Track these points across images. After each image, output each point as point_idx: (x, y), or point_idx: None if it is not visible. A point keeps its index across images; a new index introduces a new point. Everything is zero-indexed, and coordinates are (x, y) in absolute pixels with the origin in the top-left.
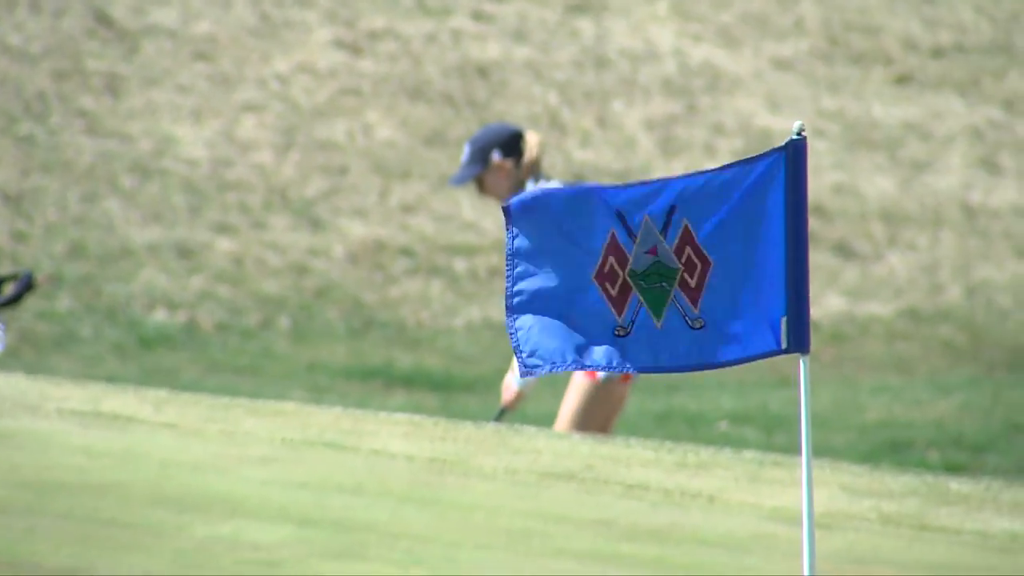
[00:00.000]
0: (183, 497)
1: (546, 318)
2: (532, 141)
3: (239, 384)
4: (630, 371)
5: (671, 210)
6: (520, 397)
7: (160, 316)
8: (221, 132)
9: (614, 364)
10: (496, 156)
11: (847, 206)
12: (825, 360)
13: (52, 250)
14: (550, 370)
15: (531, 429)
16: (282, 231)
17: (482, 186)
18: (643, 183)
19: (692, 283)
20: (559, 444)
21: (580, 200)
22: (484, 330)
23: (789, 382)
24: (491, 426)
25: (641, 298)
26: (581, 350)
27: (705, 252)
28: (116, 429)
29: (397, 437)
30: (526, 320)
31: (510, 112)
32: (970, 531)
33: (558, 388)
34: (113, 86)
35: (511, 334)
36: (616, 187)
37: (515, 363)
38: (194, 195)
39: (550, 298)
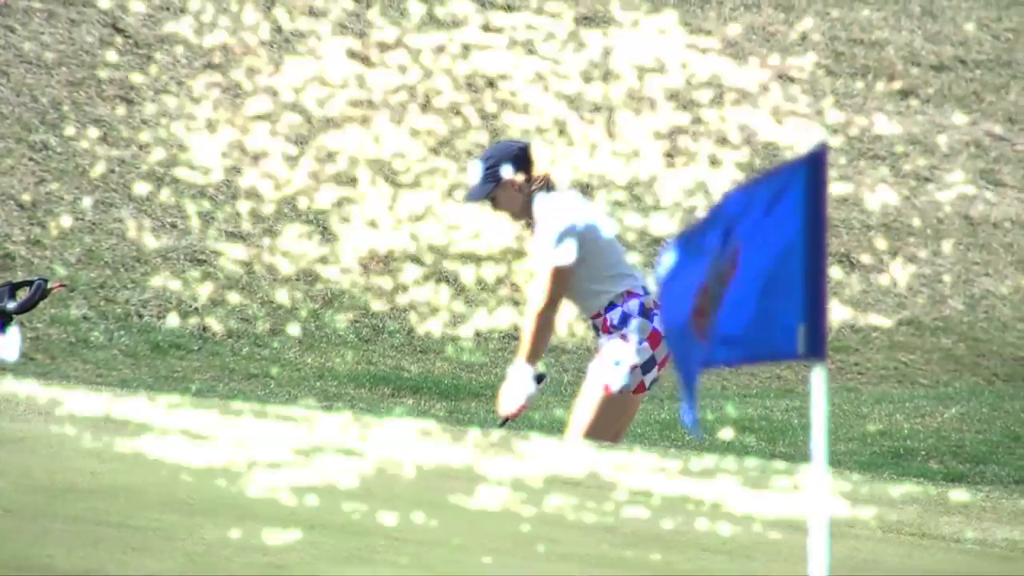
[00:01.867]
0: (193, 501)
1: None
2: (540, 154)
3: (249, 390)
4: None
5: (727, 234)
6: (523, 409)
7: (172, 322)
8: (233, 142)
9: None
10: (507, 172)
11: (850, 218)
12: (827, 370)
13: (66, 257)
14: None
15: (537, 436)
16: (293, 239)
17: (495, 202)
18: (704, 219)
19: (720, 290)
20: (564, 451)
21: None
22: (491, 338)
23: (793, 392)
24: (494, 432)
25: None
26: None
27: (737, 262)
28: (128, 434)
29: (404, 443)
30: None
31: (518, 122)
32: (970, 540)
33: (564, 397)
34: (127, 95)
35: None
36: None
37: (511, 374)
38: (206, 203)
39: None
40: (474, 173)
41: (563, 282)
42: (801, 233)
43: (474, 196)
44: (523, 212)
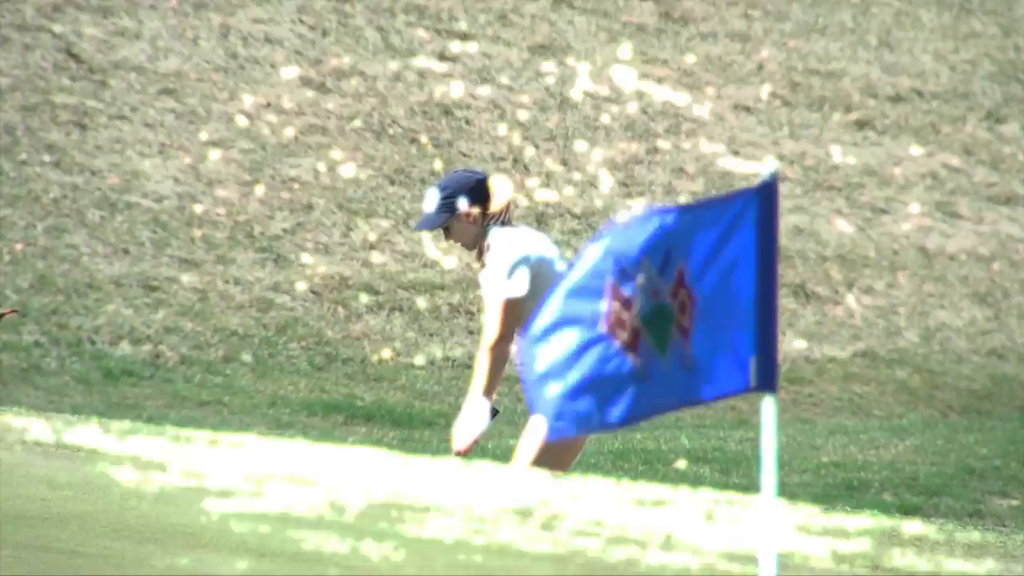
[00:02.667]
0: (144, 529)
1: (571, 380)
2: (501, 187)
3: (202, 417)
4: (647, 416)
5: (667, 252)
6: (475, 443)
7: (124, 349)
8: (187, 168)
9: (637, 411)
10: (464, 204)
11: (806, 249)
12: (782, 401)
13: (18, 282)
14: (576, 431)
15: (489, 465)
16: (246, 266)
17: (448, 232)
18: (635, 224)
19: (685, 324)
20: (517, 480)
21: (584, 258)
22: (445, 367)
23: (747, 423)
24: (446, 461)
25: (650, 341)
26: (606, 406)
27: (692, 291)
28: (78, 460)
29: (357, 471)
30: (553, 387)
31: (474, 151)
32: (923, 573)
33: (518, 427)
34: (81, 121)
35: (537, 400)
36: (614, 233)
37: (465, 413)
38: (160, 230)
39: (571, 358)
40: (430, 201)
41: (514, 315)
42: (753, 265)
43: (427, 225)
44: (476, 243)
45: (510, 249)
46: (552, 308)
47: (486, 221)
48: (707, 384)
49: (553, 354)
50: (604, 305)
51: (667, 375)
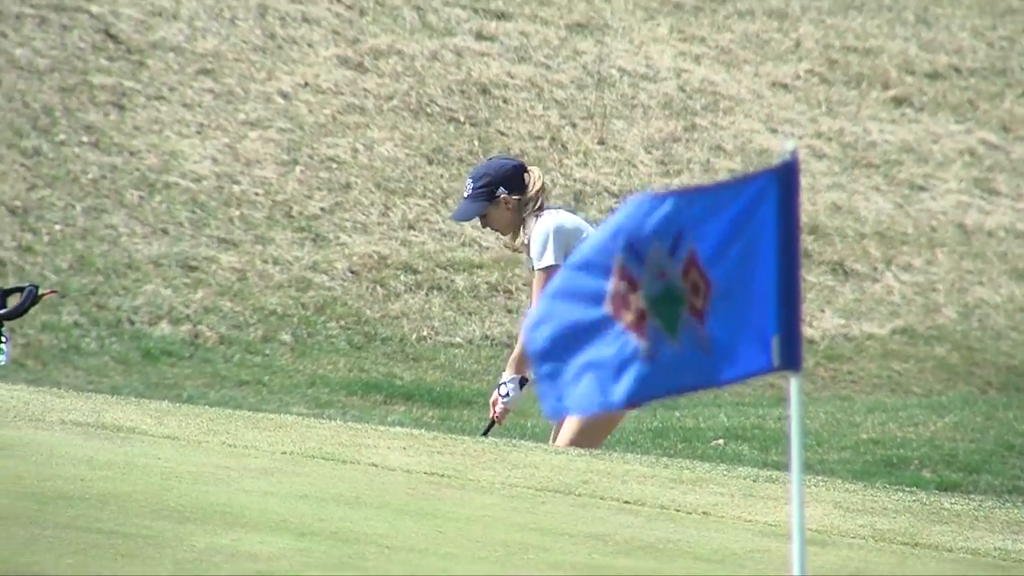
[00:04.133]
0: (183, 508)
1: (570, 360)
2: (535, 175)
3: (241, 397)
4: (654, 398)
5: (678, 234)
6: (507, 413)
7: (164, 329)
8: (226, 148)
9: (642, 392)
10: (502, 193)
11: (844, 226)
12: (821, 378)
13: (57, 263)
14: (573, 412)
15: (528, 444)
16: (285, 246)
17: (485, 219)
18: (647, 203)
19: (699, 306)
20: (556, 459)
21: (594, 234)
22: (483, 346)
23: (786, 401)
24: (485, 440)
25: (658, 324)
26: (608, 386)
27: (706, 273)
28: (118, 440)
29: (396, 450)
30: (552, 367)
31: (511, 130)
32: (962, 548)
33: None
34: (119, 101)
35: (537, 380)
36: (626, 211)
37: (503, 377)
38: (198, 210)
39: (571, 338)
40: (465, 190)
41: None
42: (775, 244)
43: (466, 215)
44: (511, 228)
45: (546, 224)
46: (555, 281)
47: (523, 207)
48: (728, 366)
49: (551, 329)
50: (610, 284)
51: (680, 357)
